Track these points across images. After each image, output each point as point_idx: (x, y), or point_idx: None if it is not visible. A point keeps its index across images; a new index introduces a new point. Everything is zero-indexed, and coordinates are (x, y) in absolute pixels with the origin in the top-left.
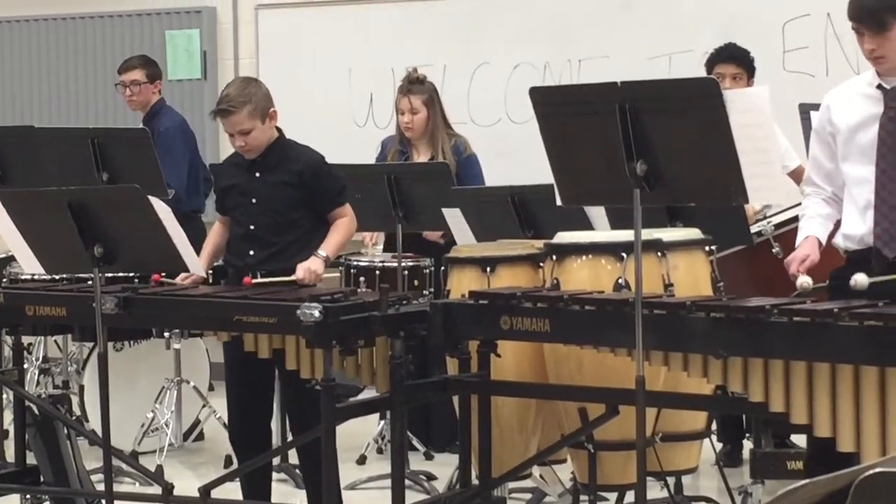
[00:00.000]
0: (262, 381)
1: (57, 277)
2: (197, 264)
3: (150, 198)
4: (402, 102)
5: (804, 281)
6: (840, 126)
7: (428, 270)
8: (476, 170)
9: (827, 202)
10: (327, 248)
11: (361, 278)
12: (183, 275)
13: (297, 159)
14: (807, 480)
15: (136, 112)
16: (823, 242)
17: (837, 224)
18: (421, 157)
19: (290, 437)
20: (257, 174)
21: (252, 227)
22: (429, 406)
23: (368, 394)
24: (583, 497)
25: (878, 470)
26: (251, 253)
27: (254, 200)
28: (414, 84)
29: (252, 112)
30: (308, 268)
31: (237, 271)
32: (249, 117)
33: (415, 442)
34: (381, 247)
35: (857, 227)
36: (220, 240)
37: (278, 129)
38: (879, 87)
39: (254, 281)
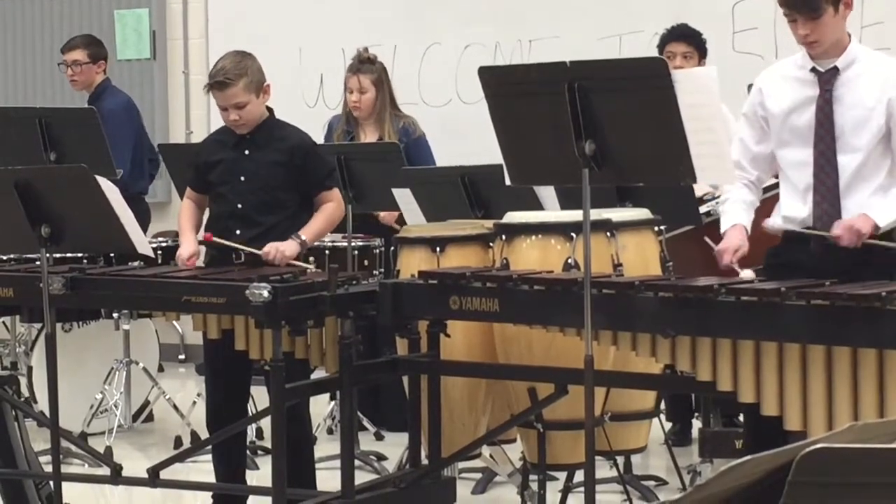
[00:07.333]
0: (240, 365)
1: (4, 258)
2: (145, 245)
3: (98, 178)
4: (351, 81)
5: (746, 275)
6: (773, 110)
7: (378, 250)
8: (426, 151)
9: (749, 187)
10: (307, 232)
11: (311, 258)
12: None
13: (287, 138)
14: (749, 456)
15: (83, 92)
16: (749, 229)
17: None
18: (367, 137)
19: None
20: (246, 151)
21: (239, 205)
22: (381, 386)
23: (318, 374)
24: (532, 476)
25: (820, 445)
26: (237, 232)
27: (242, 178)
28: (364, 63)
29: (248, 85)
30: (277, 247)
31: (220, 251)
32: (245, 90)
33: (365, 422)
34: None
35: (798, 209)
36: (197, 218)
37: (269, 108)
38: (813, 69)
39: (214, 238)
